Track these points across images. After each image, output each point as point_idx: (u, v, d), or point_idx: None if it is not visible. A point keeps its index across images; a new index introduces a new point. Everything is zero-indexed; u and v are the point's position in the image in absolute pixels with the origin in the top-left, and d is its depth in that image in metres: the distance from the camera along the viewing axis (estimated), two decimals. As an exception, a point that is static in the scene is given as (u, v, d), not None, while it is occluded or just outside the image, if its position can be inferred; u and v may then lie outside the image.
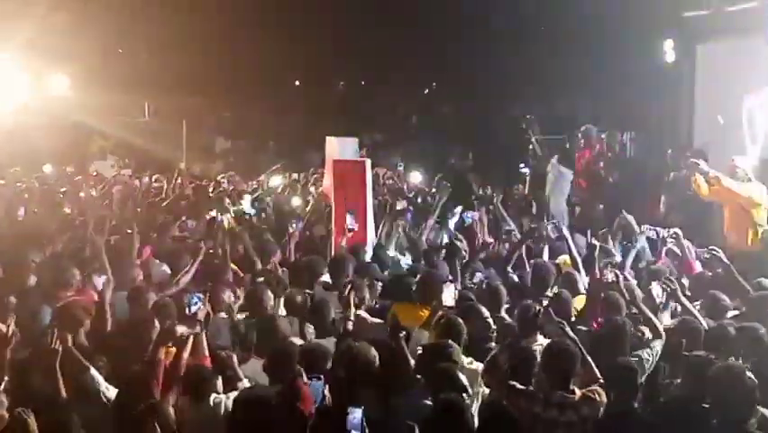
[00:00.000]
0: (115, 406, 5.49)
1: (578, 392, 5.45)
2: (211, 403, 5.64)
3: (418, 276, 7.91)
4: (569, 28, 16.68)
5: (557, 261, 9.09)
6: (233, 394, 5.59)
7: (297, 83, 25.59)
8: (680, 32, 13.91)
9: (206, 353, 6.02)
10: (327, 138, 12.60)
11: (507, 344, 5.99)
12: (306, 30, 21.14)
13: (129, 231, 9.54)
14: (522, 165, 14.54)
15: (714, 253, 8.14)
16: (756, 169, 10.53)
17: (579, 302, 7.67)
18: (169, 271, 8.73)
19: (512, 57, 19.20)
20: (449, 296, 6.88)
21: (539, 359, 5.72)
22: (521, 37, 18.51)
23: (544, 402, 5.33)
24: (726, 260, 7.98)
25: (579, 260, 8.50)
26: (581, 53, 16.96)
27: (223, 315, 7.25)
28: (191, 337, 5.85)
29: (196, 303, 6.08)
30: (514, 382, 5.48)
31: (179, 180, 14.73)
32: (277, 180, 15.20)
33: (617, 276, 7.38)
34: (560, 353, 5.56)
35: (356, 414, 4.76)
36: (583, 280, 8.11)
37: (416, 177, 15.98)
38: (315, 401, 5.33)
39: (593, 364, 5.68)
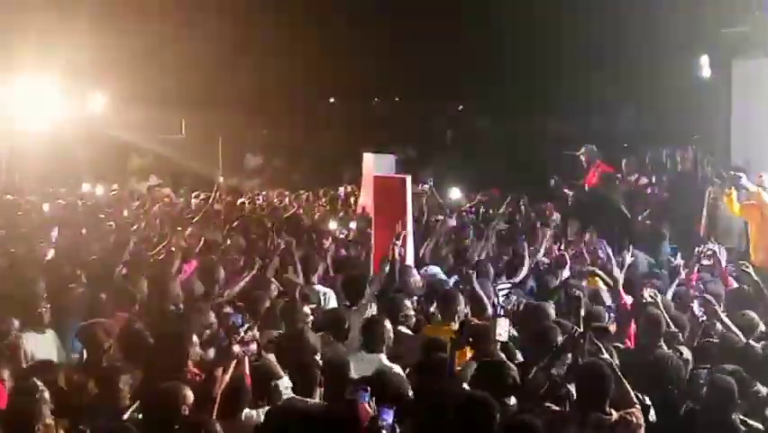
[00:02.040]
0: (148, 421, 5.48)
1: (614, 414, 5.40)
2: (243, 418, 5.64)
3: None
4: (606, 43, 16.68)
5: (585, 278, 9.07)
6: (265, 409, 5.58)
7: (332, 99, 25.77)
8: (716, 48, 13.87)
9: (248, 371, 6.06)
10: (364, 154, 12.70)
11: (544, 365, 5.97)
12: (341, 46, 21.29)
13: (172, 249, 9.66)
14: (554, 181, 14.39)
15: (744, 269, 8.06)
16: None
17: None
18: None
19: (549, 72, 19.22)
20: (503, 330, 6.50)
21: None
22: (558, 52, 18.52)
23: (580, 424, 5.31)
24: (755, 276, 7.90)
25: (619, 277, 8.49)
26: (619, 68, 16.96)
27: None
28: (245, 358, 5.89)
29: (241, 324, 6.13)
30: (549, 404, 5.49)
31: (219, 195, 14.87)
32: None
33: (654, 295, 7.38)
34: (595, 373, 5.55)
35: (388, 415, 4.79)
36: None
37: (455, 193, 15.97)
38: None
39: (629, 387, 5.63)
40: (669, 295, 8.29)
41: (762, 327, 7.22)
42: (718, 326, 7.17)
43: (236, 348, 5.78)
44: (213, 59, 20.38)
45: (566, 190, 13.70)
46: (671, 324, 7.08)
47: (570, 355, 5.96)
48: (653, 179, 13.62)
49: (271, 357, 6.25)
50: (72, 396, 5.79)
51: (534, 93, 20.52)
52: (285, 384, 5.91)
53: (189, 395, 5.37)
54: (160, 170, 20.40)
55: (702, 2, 12.94)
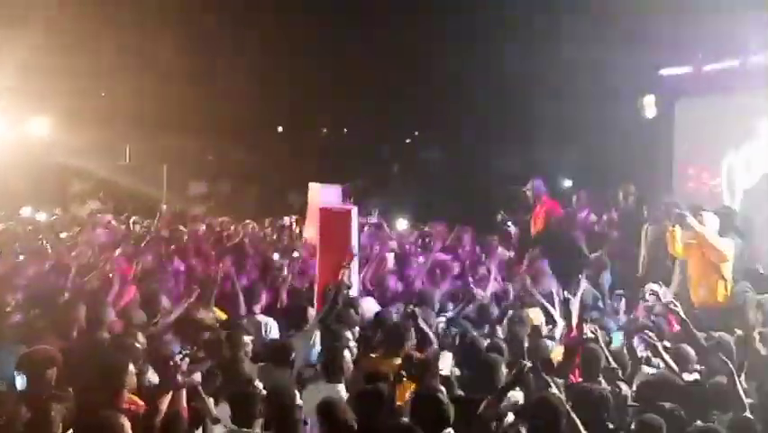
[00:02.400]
0: None
1: None
2: None
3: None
4: (554, 80, 16.89)
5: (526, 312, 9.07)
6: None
7: (280, 128, 25.71)
8: (659, 89, 14.14)
9: (185, 404, 5.96)
10: (310, 184, 12.65)
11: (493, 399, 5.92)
12: (290, 75, 21.27)
13: (110, 275, 9.48)
14: (500, 216, 14.44)
15: (672, 307, 8.09)
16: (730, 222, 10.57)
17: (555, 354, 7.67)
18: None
19: (496, 106, 19.42)
20: (446, 364, 6.61)
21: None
22: (506, 87, 18.71)
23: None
24: (683, 315, 7.93)
25: (555, 312, 8.54)
26: (565, 105, 17.16)
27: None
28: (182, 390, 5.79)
29: (179, 353, 6.04)
30: None
31: (160, 222, 14.71)
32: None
33: (595, 331, 7.42)
34: (547, 408, 5.54)
35: None
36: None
37: (401, 223, 15.99)
38: None
39: (578, 422, 5.63)
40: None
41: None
42: (658, 361, 7.21)
43: (179, 378, 5.70)
44: (160, 84, 20.18)
45: (510, 225, 13.76)
46: (610, 360, 7.10)
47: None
48: (602, 217, 13.71)
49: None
50: (3, 426, 5.59)
51: (481, 126, 20.70)
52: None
53: (126, 425, 5.23)
54: (103, 196, 20.10)
55: (646, 43, 13.18)
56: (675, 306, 7.97)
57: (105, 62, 19.61)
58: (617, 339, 8.43)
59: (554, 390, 5.91)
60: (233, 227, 14.99)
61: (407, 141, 25.66)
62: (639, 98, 14.46)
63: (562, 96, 16.79)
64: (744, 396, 6.13)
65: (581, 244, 11.99)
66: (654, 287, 9.52)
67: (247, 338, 7.43)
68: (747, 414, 5.98)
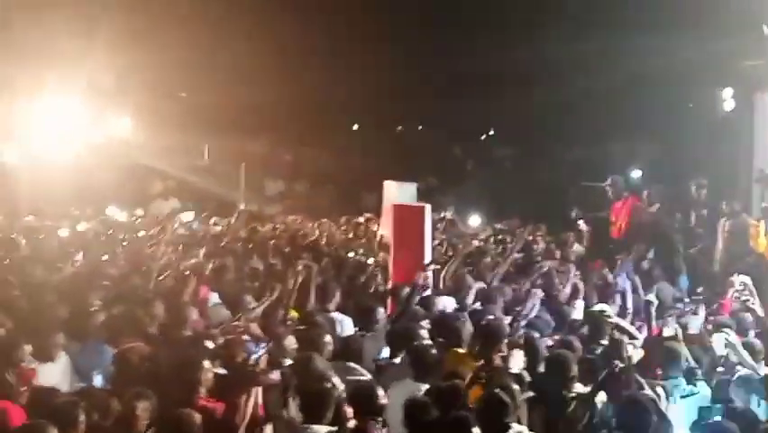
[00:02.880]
0: None
1: None
2: None
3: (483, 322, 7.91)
4: (629, 73, 16.67)
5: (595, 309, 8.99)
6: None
7: (356, 126, 25.87)
8: (738, 81, 13.85)
9: (261, 401, 6.07)
10: (385, 182, 12.70)
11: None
12: (365, 73, 21.38)
13: (186, 273, 9.70)
14: (574, 213, 14.30)
15: (750, 305, 7.88)
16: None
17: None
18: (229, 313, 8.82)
19: (571, 103, 19.23)
20: (518, 361, 6.65)
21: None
22: (581, 83, 18.52)
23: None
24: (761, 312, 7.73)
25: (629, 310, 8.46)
26: (641, 99, 16.93)
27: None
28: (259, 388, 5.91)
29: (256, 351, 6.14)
30: None
31: (239, 222, 14.97)
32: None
33: (676, 330, 7.35)
34: (638, 408, 5.54)
35: None
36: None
37: (475, 220, 15.93)
38: None
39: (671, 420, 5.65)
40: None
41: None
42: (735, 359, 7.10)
43: (259, 376, 5.81)
44: (239, 84, 20.51)
45: (582, 223, 13.62)
46: (690, 359, 7.01)
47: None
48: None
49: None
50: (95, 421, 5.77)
51: (554, 122, 20.53)
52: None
53: (200, 424, 5.37)
54: (182, 196, 20.50)
55: (725, 36, 12.92)
56: (753, 304, 7.78)
57: (184, 63, 19.99)
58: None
59: (648, 391, 5.88)
60: (309, 226, 15.16)
61: (482, 138, 25.57)
62: (718, 91, 14.18)
63: (637, 91, 16.56)
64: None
65: (677, 241, 11.83)
66: (745, 279, 9.36)
67: (328, 337, 7.48)
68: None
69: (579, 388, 6.43)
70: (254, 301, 8.77)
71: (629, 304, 8.79)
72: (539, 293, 9.14)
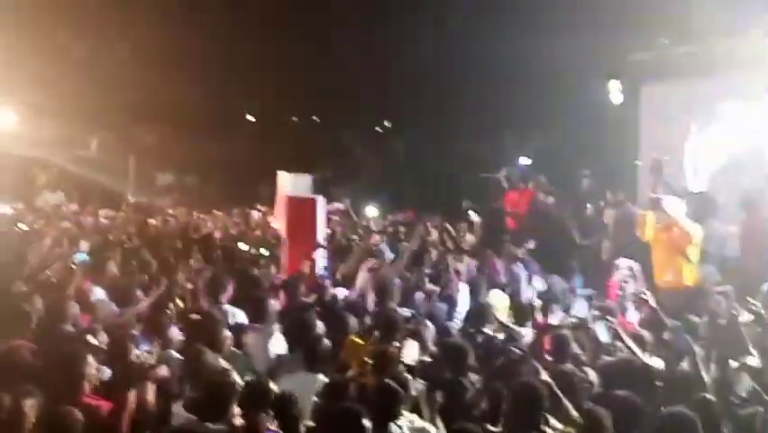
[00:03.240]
0: None
1: (549, 431, 5.47)
2: None
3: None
4: (520, 64, 16.93)
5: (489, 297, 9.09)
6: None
7: (251, 118, 25.58)
8: (625, 74, 14.20)
9: (152, 399, 5.88)
10: (279, 173, 12.57)
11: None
12: (260, 64, 21.15)
13: (71, 267, 9.38)
14: (465, 204, 14.41)
15: (643, 297, 8.05)
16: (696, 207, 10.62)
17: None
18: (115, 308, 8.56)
19: (464, 94, 19.43)
20: (412, 351, 6.63)
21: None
22: (472, 75, 18.73)
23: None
24: (654, 304, 7.93)
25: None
26: (531, 91, 17.20)
27: (173, 352, 7.13)
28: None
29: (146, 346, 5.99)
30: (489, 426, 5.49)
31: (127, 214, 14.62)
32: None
33: (563, 318, 7.47)
34: (531, 393, 5.57)
35: None
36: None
37: (371, 211, 15.89)
38: None
39: (568, 405, 5.71)
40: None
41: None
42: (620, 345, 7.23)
43: (150, 371, 5.63)
44: (126, 75, 19.99)
45: (472, 214, 13.75)
46: (575, 346, 7.13)
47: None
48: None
49: None
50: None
51: (449, 114, 20.72)
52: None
53: (81, 422, 5.16)
54: (67, 187, 19.87)
55: (612, 29, 13.23)
56: (645, 294, 7.92)
57: (69, 53, 19.38)
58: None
59: (545, 376, 5.93)
60: (200, 218, 14.91)
61: (377, 129, 25.63)
62: (606, 83, 14.51)
63: (529, 83, 16.84)
64: (705, 377, 6.17)
65: (573, 233, 12.02)
66: (630, 263, 9.55)
67: (226, 331, 7.30)
68: (708, 395, 6.02)
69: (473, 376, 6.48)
70: (142, 295, 8.53)
71: (524, 293, 8.88)
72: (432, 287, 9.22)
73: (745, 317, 7.04)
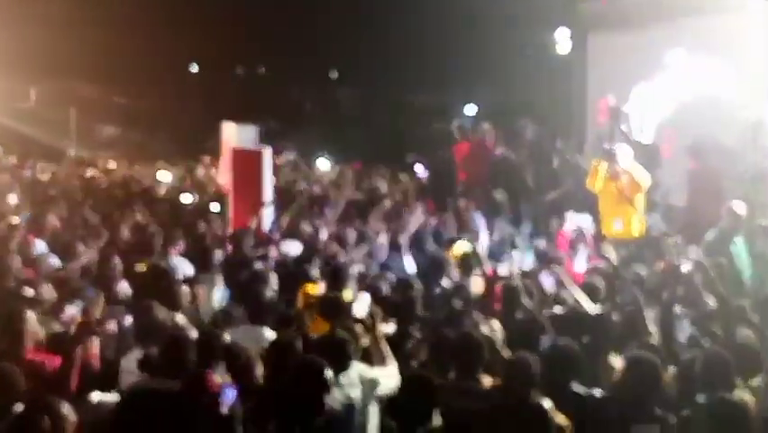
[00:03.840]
0: None
1: (487, 381, 5.51)
2: (94, 402, 5.33)
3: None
4: (466, 16, 16.83)
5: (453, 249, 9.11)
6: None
7: (194, 69, 25.16)
8: (572, 23, 14.18)
9: (96, 351, 5.77)
10: (223, 124, 12.40)
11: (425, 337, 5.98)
12: (204, 14, 20.75)
13: (12, 222, 9.18)
14: (410, 158, 14.37)
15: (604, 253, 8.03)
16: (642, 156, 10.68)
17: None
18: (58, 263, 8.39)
19: (411, 45, 19.30)
20: (363, 303, 6.58)
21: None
22: (417, 25, 18.58)
23: (456, 392, 5.34)
24: (614, 262, 7.91)
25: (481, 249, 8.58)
26: (479, 41, 17.13)
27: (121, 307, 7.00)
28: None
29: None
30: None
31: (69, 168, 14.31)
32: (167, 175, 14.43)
33: (511, 272, 7.48)
34: (469, 345, 5.60)
35: (231, 392, 4.71)
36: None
37: (323, 164, 15.69)
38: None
39: (504, 354, 5.77)
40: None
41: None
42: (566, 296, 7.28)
43: (96, 327, 5.52)
44: (66, 23, 19.45)
45: (419, 166, 13.73)
46: (524, 297, 7.15)
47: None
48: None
49: None
50: None
51: (395, 64, 20.57)
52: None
53: (20, 378, 5.03)
54: (6, 141, 19.37)
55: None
56: (605, 248, 7.85)
57: (6, 5, 18.77)
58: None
59: (485, 329, 5.94)
60: (144, 171, 14.68)
61: (325, 80, 25.38)
62: (553, 32, 14.48)
63: (476, 33, 16.75)
64: (650, 326, 6.25)
65: (528, 182, 12.04)
66: (578, 219, 9.57)
67: (185, 288, 7.19)
68: (653, 341, 6.11)
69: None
70: (85, 249, 8.37)
71: (483, 242, 8.88)
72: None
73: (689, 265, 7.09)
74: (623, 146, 9.98)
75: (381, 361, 5.66)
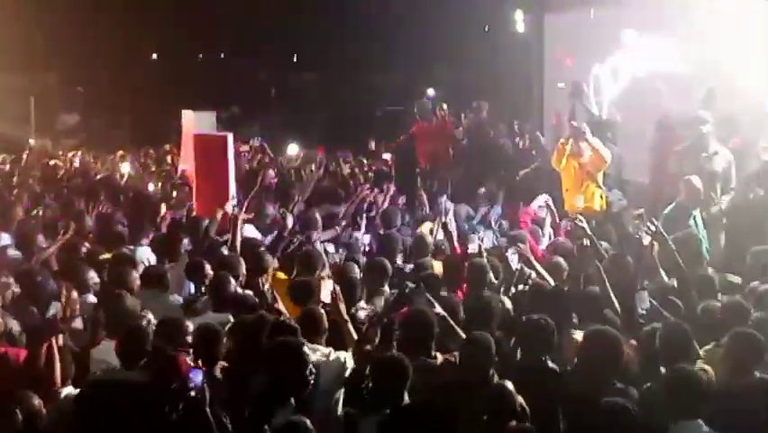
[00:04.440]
0: None
1: (440, 357, 5.60)
2: (62, 396, 5.30)
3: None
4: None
5: (421, 228, 9.19)
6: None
7: (154, 56, 24.97)
8: (529, 3, 14.28)
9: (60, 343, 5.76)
10: (183, 112, 12.38)
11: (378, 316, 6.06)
12: (163, 1, 20.61)
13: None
14: (373, 144, 14.39)
15: (579, 223, 8.05)
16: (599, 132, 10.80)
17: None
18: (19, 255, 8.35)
19: (369, 27, 19.32)
20: (327, 290, 6.57)
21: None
22: (379, 6, 18.59)
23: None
24: (589, 231, 7.71)
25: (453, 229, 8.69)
26: (439, 23, 17.17)
27: (91, 297, 7.03)
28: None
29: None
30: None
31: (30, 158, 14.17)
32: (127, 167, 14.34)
33: (479, 247, 7.57)
34: (420, 321, 5.69)
35: (197, 376, 4.74)
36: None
37: (292, 149, 15.58)
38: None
39: (460, 332, 5.85)
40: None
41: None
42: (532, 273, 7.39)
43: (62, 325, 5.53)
44: (24, 12, 19.18)
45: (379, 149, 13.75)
46: (491, 274, 7.25)
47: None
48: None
49: None
50: None
51: (356, 48, 20.58)
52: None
53: None
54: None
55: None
56: (582, 222, 7.71)
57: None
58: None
59: (438, 309, 6.03)
60: (106, 160, 14.60)
61: (286, 65, 25.30)
62: (511, 13, 14.57)
63: (435, 13, 16.79)
64: (615, 300, 6.39)
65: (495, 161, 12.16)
66: (545, 197, 9.66)
67: (134, 273, 7.19)
68: (611, 313, 6.26)
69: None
70: (49, 240, 8.35)
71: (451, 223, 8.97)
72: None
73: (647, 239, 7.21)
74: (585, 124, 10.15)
75: (350, 344, 5.76)
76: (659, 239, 7.08)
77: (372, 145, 14.18)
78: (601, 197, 10.00)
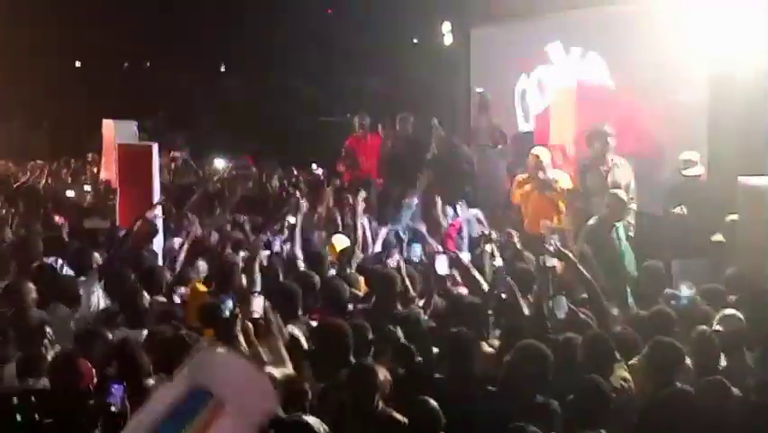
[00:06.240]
0: None
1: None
2: None
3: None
4: (353, 7, 16.87)
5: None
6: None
7: (78, 64, 24.47)
8: (456, 16, 14.36)
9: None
10: (104, 121, 12.19)
11: None
12: (88, 7, 20.21)
13: None
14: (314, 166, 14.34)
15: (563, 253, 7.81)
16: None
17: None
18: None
19: (298, 36, 19.26)
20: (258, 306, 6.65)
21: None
22: (306, 17, 18.55)
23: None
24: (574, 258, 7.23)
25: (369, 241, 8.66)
26: (369, 34, 17.18)
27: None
28: None
29: None
30: None
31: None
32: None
33: (398, 263, 7.53)
34: (334, 332, 5.75)
35: (118, 391, 4.69)
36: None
37: (219, 163, 15.34)
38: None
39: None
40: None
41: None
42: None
43: None
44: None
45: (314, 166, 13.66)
46: (408, 283, 7.22)
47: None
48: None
49: None
50: None
51: (286, 57, 20.47)
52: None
53: None
54: None
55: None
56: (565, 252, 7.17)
57: None
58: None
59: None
60: (21, 168, 14.26)
61: (212, 73, 25.03)
62: (438, 25, 14.64)
63: (364, 25, 16.81)
64: (525, 308, 6.46)
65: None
66: (476, 211, 9.61)
67: (29, 285, 6.94)
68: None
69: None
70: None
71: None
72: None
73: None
74: (542, 150, 9.99)
75: (280, 363, 5.64)
76: (562, 256, 6.98)
77: (303, 156, 14.06)
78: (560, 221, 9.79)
